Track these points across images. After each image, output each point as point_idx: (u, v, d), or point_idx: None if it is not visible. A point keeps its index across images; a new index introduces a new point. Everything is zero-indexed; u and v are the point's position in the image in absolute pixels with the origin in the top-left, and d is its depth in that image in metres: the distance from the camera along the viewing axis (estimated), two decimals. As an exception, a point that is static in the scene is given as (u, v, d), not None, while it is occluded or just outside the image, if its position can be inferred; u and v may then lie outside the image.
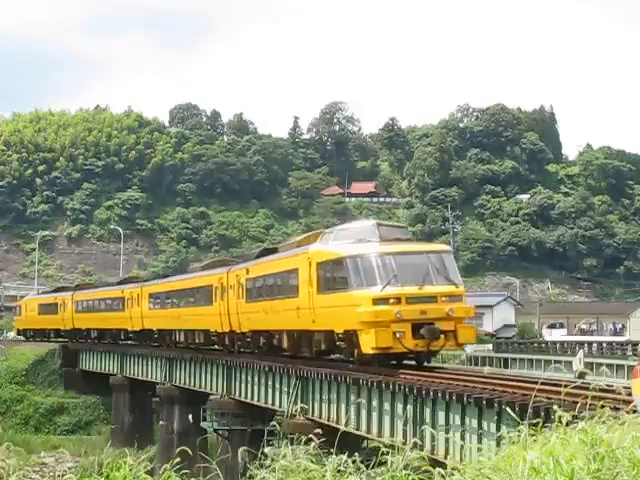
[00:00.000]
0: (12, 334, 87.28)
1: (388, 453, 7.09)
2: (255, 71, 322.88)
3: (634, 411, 7.88)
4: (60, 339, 74.83)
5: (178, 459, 7.54)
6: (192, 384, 49.60)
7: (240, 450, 8.14)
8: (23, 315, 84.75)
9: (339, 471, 7.04)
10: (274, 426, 10.55)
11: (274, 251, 40.01)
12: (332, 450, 7.48)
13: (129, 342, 62.41)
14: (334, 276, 29.91)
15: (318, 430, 8.40)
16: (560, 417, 7.03)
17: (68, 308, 71.56)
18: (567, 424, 6.94)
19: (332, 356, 33.21)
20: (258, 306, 37.53)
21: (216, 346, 46.56)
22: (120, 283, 66.78)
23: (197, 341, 48.25)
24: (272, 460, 7.28)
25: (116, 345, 65.83)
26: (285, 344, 35.71)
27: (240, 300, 39.99)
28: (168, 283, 54.41)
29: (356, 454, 7.36)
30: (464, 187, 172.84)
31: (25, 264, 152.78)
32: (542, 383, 18.26)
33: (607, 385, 13.30)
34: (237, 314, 40.32)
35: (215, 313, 43.19)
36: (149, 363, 57.60)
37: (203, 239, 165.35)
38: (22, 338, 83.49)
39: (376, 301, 27.30)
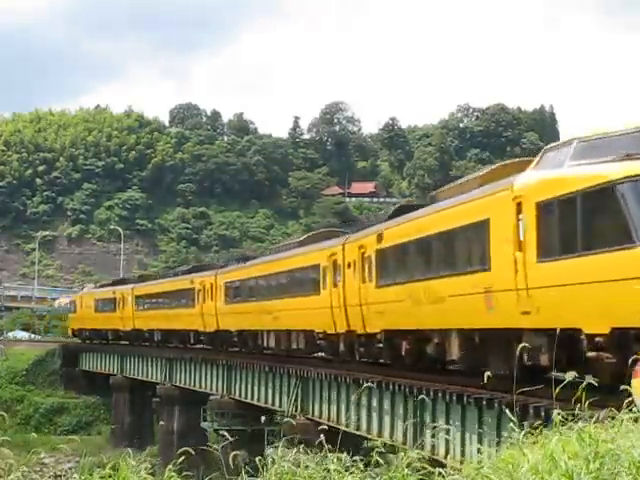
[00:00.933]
0: (11, 334, 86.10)
1: (384, 453, 7.09)
2: (255, 71, 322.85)
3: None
4: (120, 341, 65.36)
5: (182, 458, 7.54)
6: (192, 384, 49.64)
7: (233, 453, 8.11)
8: (78, 312, 72.81)
9: (341, 472, 7.04)
10: (269, 421, 10.48)
11: (425, 205, 25.96)
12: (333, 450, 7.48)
13: (201, 347, 50.93)
14: (585, 223, 16.22)
15: (324, 427, 8.33)
16: (559, 417, 7.04)
17: (128, 304, 60.60)
18: (565, 423, 6.96)
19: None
20: (400, 291, 24.72)
21: (322, 354, 34.74)
22: (191, 271, 54.51)
23: (295, 346, 35.38)
24: (272, 461, 7.27)
25: (116, 345, 65.80)
26: (454, 354, 22.03)
27: (366, 284, 27.64)
28: (253, 266, 41.87)
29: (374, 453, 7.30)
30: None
31: (25, 264, 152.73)
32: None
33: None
34: (360, 306, 28.02)
35: (323, 305, 31.19)
36: (149, 363, 57.64)
37: (203, 239, 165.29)
38: (78, 340, 73.15)
39: None
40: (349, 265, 29.35)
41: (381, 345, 27.38)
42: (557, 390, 7.30)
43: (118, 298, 62.55)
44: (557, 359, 14.91)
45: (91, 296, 71.38)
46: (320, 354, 35.10)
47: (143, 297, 58.83)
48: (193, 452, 7.79)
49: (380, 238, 26.86)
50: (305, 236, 40.39)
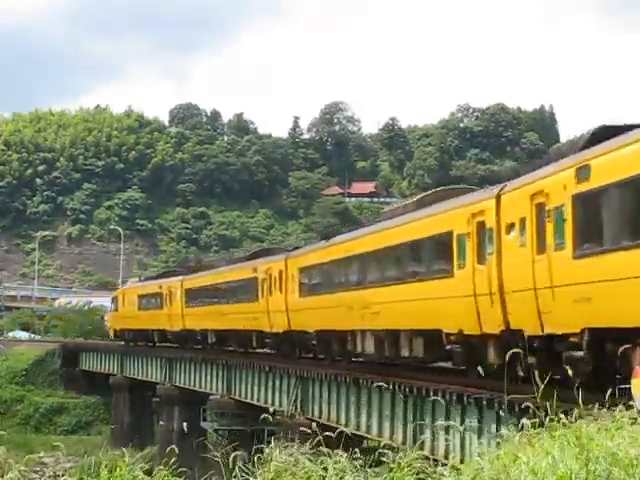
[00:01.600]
0: (11, 334, 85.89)
1: (385, 454, 7.09)
2: (255, 71, 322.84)
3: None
4: (167, 344, 55.96)
5: (174, 458, 7.54)
6: (192, 384, 49.57)
7: (233, 454, 8.10)
8: (120, 310, 64.30)
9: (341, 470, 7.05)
10: (270, 417, 10.37)
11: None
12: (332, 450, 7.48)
13: (267, 352, 41.85)
14: None
15: (314, 424, 8.35)
16: (557, 417, 7.04)
17: (176, 300, 51.79)
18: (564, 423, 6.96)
19: None
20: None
21: (450, 363, 24.25)
22: (252, 257, 44.79)
23: (407, 353, 25.10)
24: (270, 459, 7.28)
25: (116, 345, 65.67)
26: None
27: (550, 255, 17.71)
28: (341, 244, 30.97)
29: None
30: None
31: (25, 264, 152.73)
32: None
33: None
34: (535, 290, 18.19)
35: (459, 293, 21.51)
36: (149, 363, 57.56)
37: (203, 239, 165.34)
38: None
39: None
40: (510, 228, 19.61)
41: (580, 354, 16.59)
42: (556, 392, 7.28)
43: (165, 293, 53.64)
44: None
45: (134, 291, 62.59)
46: (446, 364, 24.56)
47: (194, 291, 49.77)
48: (177, 451, 7.76)
49: (584, 174, 16.53)
50: (421, 195, 28.93)
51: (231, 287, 43.78)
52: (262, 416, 10.23)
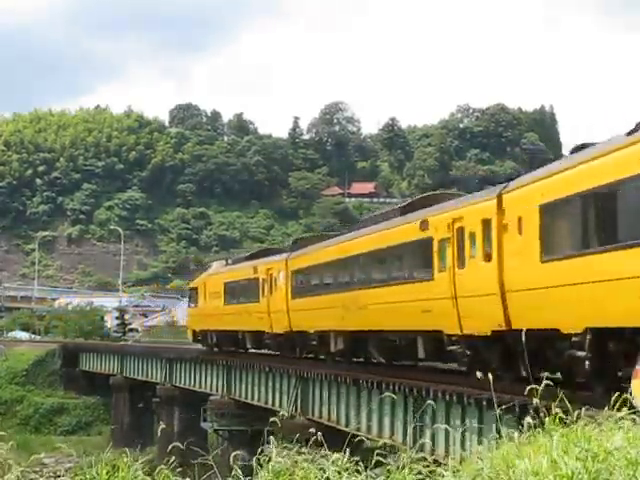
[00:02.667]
0: (11, 334, 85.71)
1: (385, 455, 7.09)
2: (255, 71, 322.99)
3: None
4: (267, 351, 40.63)
5: (173, 458, 7.54)
6: (192, 384, 49.51)
7: (233, 454, 8.11)
8: (200, 305, 47.87)
9: (339, 472, 7.04)
10: (274, 422, 10.33)
11: None
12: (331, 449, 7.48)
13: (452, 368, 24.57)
14: None
15: (312, 429, 8.36)
16: (556, 417, 7.04)
17: (279, 288, 36.27)
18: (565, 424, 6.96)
19: None
20: None
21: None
22: (411, 207, 26.44)
23: None
24: (268, 460, 7.28)
25: (116, 345, 65.64)
26: None
27: None
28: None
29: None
30: (464, 188, 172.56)
31: (25, 264, 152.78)
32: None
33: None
34: None
35: None
36: (149, 363, 57.53)
37: (203, 239, 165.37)
38: (203, 347, 48.36)
39: None
40: None
41: None
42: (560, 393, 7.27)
43: (262, 279, 38.17)
44: None
45: (219, 279, 45.28)
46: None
47: (306, 273, 34.18)
48: (182, 447, 7.74)
49: None
50: None
51: (374, 261, 27.62)
52: (271, 419, 10.10)
